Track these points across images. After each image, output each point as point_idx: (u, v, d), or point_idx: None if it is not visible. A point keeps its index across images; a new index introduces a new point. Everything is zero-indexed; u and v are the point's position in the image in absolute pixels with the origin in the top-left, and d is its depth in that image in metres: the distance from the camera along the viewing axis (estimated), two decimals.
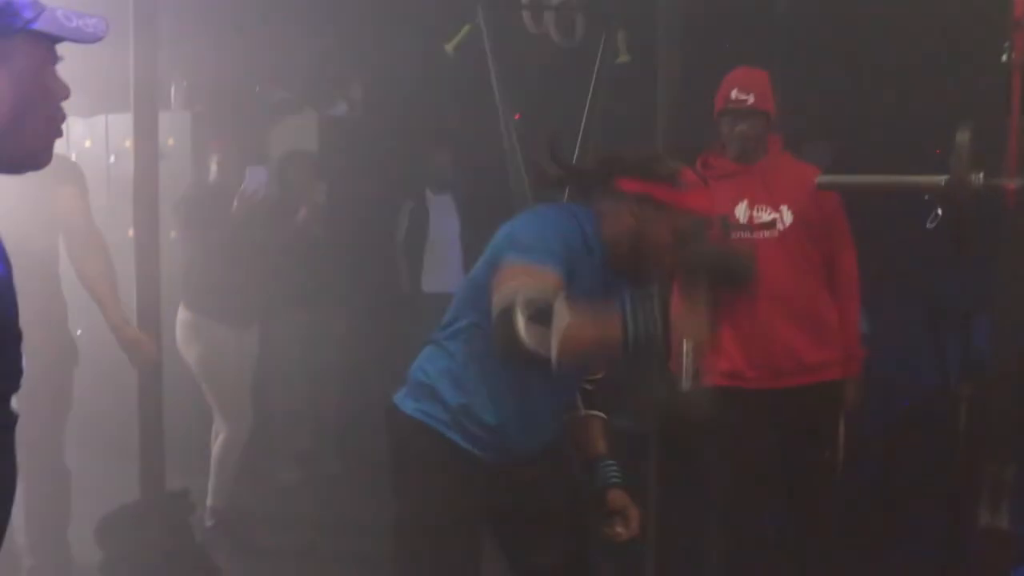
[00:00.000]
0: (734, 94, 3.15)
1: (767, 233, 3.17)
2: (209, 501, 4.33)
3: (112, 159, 5.36)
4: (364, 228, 5.58)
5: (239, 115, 4.91)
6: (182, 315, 4.38)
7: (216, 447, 4.39)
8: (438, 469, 2.24)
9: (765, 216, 3.17)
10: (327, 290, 5.25)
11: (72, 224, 3.54)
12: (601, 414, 2.47)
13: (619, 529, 2.38)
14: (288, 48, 4.70)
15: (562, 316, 1.88)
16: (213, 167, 4.62)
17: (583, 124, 3.70)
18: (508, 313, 1.92)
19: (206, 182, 4.67)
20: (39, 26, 1.23)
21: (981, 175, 2.43)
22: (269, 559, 4.15)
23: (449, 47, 3.48)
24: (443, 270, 5.65)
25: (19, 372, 1.24)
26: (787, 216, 3.16)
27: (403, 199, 5.64)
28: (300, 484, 5.24)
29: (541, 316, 1.90)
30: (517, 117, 3.98)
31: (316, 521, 4.63)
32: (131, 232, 4.06)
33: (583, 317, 1.93)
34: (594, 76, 3.56)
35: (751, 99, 3.14)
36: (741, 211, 3.19)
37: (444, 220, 5.62)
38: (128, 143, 4.11)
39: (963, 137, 2.44)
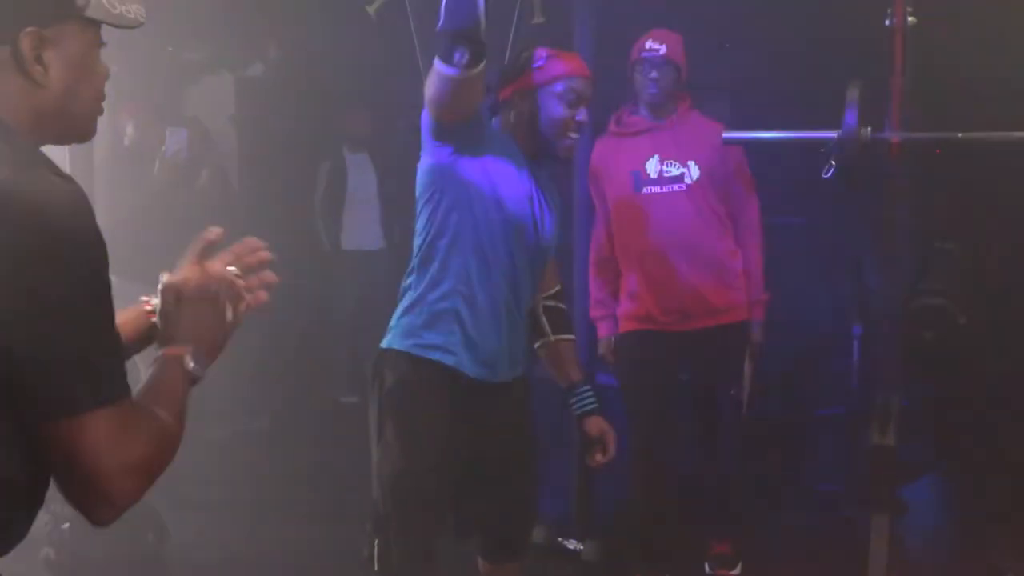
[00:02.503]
0: (648, 44, 3.33)
1: (676, 187, 3.37)
2: None
3: None
4: (282, 187, 5.62)
5: (153, 77, 4.89)
6: None
7: None
8: (436, 393, 2.35)
9: (674, 170, 3.37)
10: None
11: None
12: (570, 336, 2.62)
13: (598, 457, 2.53)
14: (201, 8, 4.69)
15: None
16: (129, 130, 4.62)
17: None
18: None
19: (123, 145, 4.67)
20: (90, 13, 1.32)
21: (869, 130, 2.67)
22: (203, 513, 4.25)
23: (371, 9, 3.55)
24: (362, 228, 5.75)
25: None
26: (695, 170, 3.36)
27: (321, 159, 5.70)
28: (228, 439, 5.32)
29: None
30: None
31: (244, 475, 4.73)
32: None
33: None
34: (511, 37, 3.68)
35: (663, 49, 3.32)
36: (652, 166, 3.38)
37: (362, 179, 5.70)
38: None
39: (853, 94, 2.66)
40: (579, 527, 3.76)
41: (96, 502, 1.22)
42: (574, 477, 3.78)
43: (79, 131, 1.38)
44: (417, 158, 2.44)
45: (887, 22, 2.66)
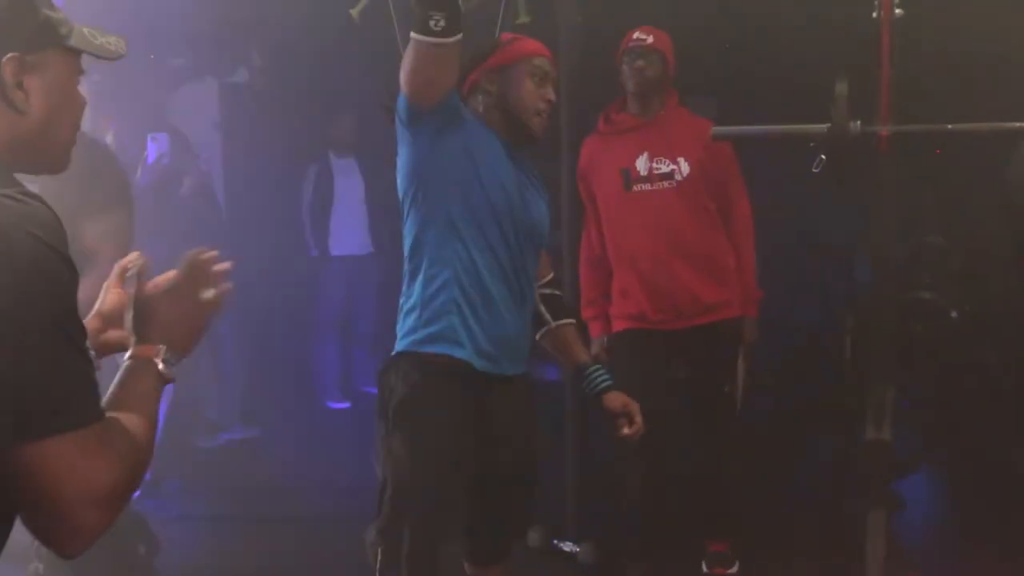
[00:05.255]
0: (636, 35, 3.33)
1: (666, 183, 3.35)
2: None
3: None
4: (269, 193, 5.59)
5: (135, 84, 4.85)
6: None
7: None
8: (445, 400, 2.30)
9: (664, 167, 3.35)
10: (234, 255, 5.26)
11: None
12: (570, 320, 2.59)
13: (625, 431, 2.51)
14: (184, 13, 4.65)
15: None
16: (109, 139, 4.57)
17: None
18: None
19: None
20: (72, 43, 1.31)
21: (859, 123, 2.65)
22: (195, 523, 4.21)
23: (354, 12, 3.52)
24: (350, 233, 5.72)
25: None
26: (684, 167, 3.35)
27: (307, 163, 5.67)
28: (218, 449, 5.29)
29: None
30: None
31: (236, 484, 4.69)
32: None
33: None
34: (496, 37, 3.66)
35: (650, 39, 3.32)
36: (642, 163, 3.37)
37: (349, 183, 5.68)
38: None
39: (842, 88, 2.65)
40: (575, 529, 3.74)
41: (61, 533, 1.18)
42: (570, 478, 3.76)
43: (54, 161, 1.36)
44: None
45: (874, 15, 2.64)
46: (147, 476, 4.19)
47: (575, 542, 3.71)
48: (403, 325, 2.38)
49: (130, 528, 3.43)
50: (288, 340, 5.71)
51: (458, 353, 2.31)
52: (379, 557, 2.35)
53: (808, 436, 4.44)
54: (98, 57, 1.35)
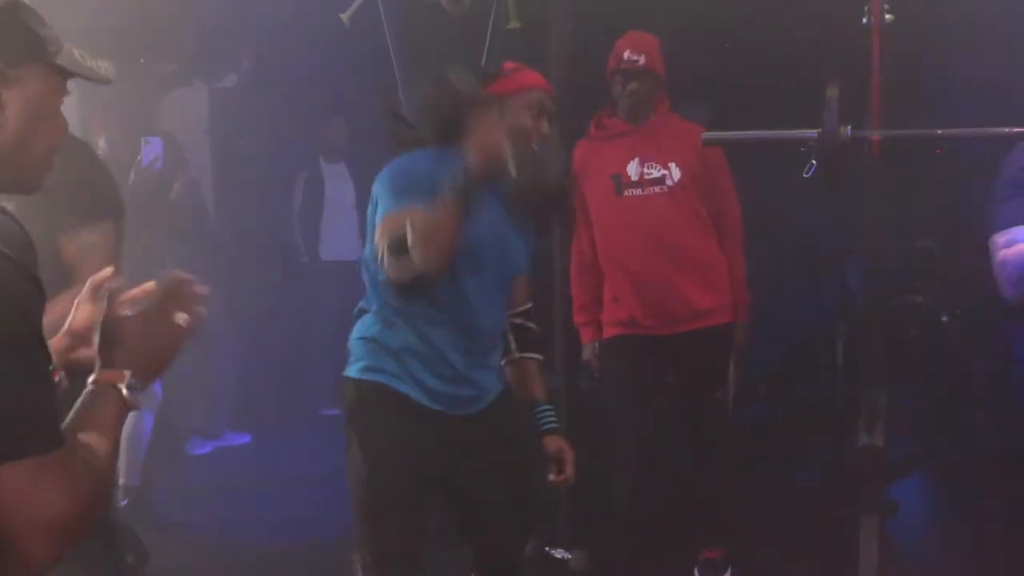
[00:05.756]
0: (626, 55, 3.32)
1: (657, 188, 3.35)
2: (121, 480, 4.31)
3: None
4: (259, 198, 5.58)
5: (125, 89, 4.83)
6: None
7: (126, 426, 4.36)
8: (394, 425, 2.32)
9: (655, 172, 3.35)
10: (225, 260, 5.24)
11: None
12: (535, 355, 2.57)
13: (551, 476, 2.51)
14: (173, 18, 4.64)
15: (410, 225, 2.11)
16: (101, 143, 4.55)
17: None
18: (382, 257, 2.19)
19: None
20: (59, 61, 1.28)
21: (849, 128, 2.65)
22: (184, 531, 4.18)
23: (345, 17, 3.51)
24: (340, 238, 5.72)
25: None
26: (675, 172, 3.35)
27: (297, 169, 5.66)
28: (209, 456, 5.26)
29: (398, 246, 2.12)
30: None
31: (226, 491, 4.67)
32: None
33: (418, 216, 2.11)
34: (487, 43, 3.65)
35: (642, 60, 3.31)
36: (632, 168, 3.37)
37: (339, 188, 5.68)
38: None
39: (832, 93, 2.65)
40: (567, 536, 3.73)
41: (6, 565, 1.13)
42: (562, 486, 3.74)
43: (27, 179, 1.31)
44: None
45: (864, 20, 2.64)
46: (135, 483, 4.15)
47: (567, 549, 3.69)
48: (355, 350, 2.39)
49: (117, 537, 3.40)
50: (278, 346, 5.69)
51: (414, 395, 2.33)
52: (360, 574, 2.36)
53: (800, 441, 4.44)
54: (85, 79, 1.32)
